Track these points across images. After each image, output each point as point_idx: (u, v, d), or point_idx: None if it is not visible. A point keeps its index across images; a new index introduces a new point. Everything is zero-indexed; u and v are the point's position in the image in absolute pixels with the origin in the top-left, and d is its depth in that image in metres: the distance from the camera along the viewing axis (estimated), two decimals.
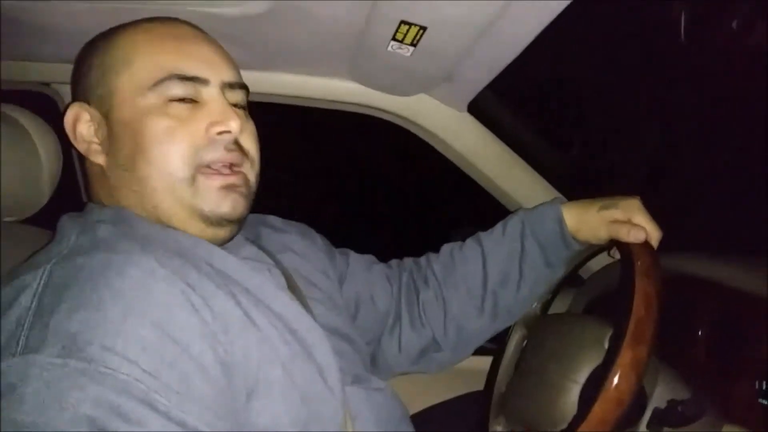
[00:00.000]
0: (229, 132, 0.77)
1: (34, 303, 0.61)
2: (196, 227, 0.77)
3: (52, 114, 1.11)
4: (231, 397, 0.65)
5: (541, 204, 1.05)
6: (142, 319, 0.60)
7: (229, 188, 0.78)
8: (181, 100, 0.77)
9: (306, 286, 0.91)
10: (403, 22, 0.91)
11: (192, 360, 0.61)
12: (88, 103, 0.80)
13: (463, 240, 1.11)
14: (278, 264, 0.90)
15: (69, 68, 0.88)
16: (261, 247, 0.92)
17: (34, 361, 0.56)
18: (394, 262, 1.16)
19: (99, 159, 0.80)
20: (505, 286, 1.05)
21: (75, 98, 0.82)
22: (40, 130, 1.04)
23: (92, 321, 0.59)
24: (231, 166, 0.78)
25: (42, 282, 0.63)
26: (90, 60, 0.81)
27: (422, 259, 1.15)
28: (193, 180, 0.76)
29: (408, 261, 1.16)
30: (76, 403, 0.54)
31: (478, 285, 1.06)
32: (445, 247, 1.13)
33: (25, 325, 0.59)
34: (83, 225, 0.73)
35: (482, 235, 1.10)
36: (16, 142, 0.99)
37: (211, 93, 0.78)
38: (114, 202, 0.79)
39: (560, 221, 1.00)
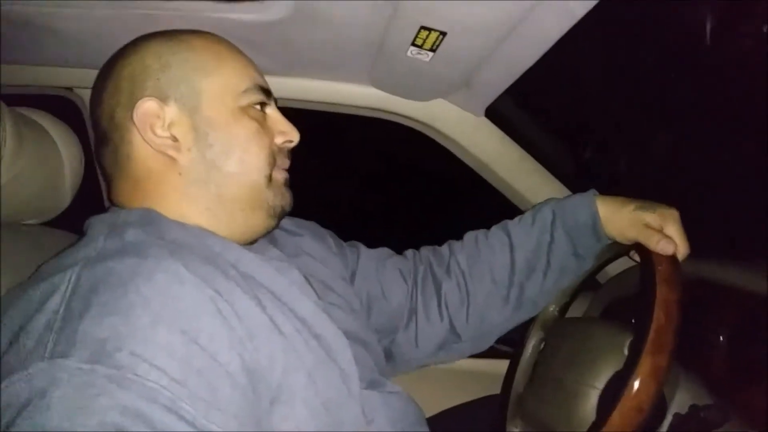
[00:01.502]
0: (292, 141, 0.87)
1: (63, 307, 0.61)
2: (257, 219, 0.83)
3: (74, 118, 1.12)
4: (256, 404, 0.65)
5: (575, 195, 1.04)
6: (170, 326, 0.60)
7: (287, 184, 0.87)
8: (258, 108, 0.84)
9: (323, 290, 0.91)
10: (423, 27, 0.91)
11: (220, 367, 0.62)
12: (162, 100, 0.79)
13: None
14: (297, 268, 0.90)
15: (91, 73, 0.88)
16: (280, 251, 0.92)
17: (62, 365, 0.56)
18: (409, 252, 1.14)
19: (176, 154, 0.79)
20: (531, 276, 1.03)
21: (136, 94, 0.79)
22: (62, 134, 1.05)
23: (121, 327, 0.59)
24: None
25: (71, 285, 0.63)
26: (166, 57, 0.80)
27: (444, 248, 1.13)
28: (271, 177, 0.83)
29: (426, 251, 1.14)
30: (104, 410, 0.54)
31: (505, 275, 1.04)
32: (469, 235, 1.11)
33: (54, 329, 0.59)
34: (111, 227, 0.73)
35: (510, 223, 1.08)
36: (39, 146, 1.00)
37: (272, 105, 0.87)
38: (156, 202, 0.79)
39: (594, 214, 0.98)
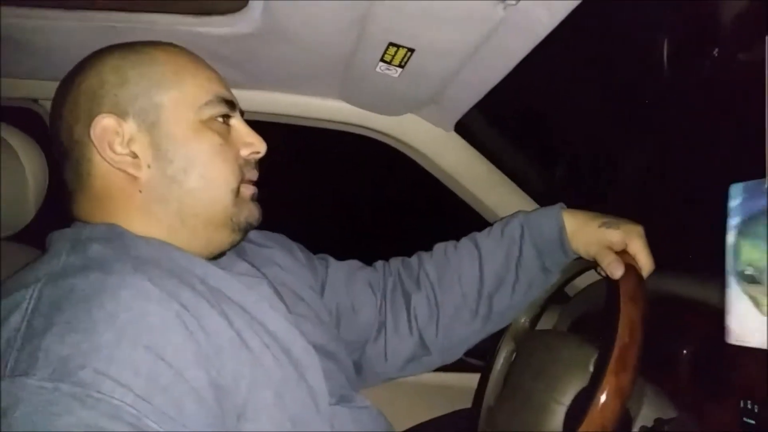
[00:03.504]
0: (258, 153, 0.85)
1: (24, 324, 0.60)
2: (221, 235, 0.81)
3: (39, 130, 1.10)
4: (222, 420, 0.64)
5: (543, 208, 1.04)
6: (135, 342, 0.60)
7: (254, 198, 0.85)
8: (221, 121, 0.82)
9: (293, 302, 0.90)
10: (391, 44, 0.92)
11: (185, 384, 0.61)
12: (121, 116, 0.77)
13: None
14: (267, 280, 0.90)
15: (57, 86, 0.87)
16: (250, 263, 0.92)
17: (23, 384, 0.55)
18: (379, 264, 1.14)
19: (136, 171, 0.77)
20: (499, 289, 1.03)
21: (94, 110, 0.77)
22: (25, 147, 1.04)
23: (85, 344, 0.58)
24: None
25: (32, 302, 0.62)
26: (124, 72, 0.78)
27: (413, 260, 1.12)
28: (238, 191, 0.81)
29: (395, 263, 1.13)
30: (67, 429, 0.53)
31: (474, 287, 1.04)
32: (438, 247, 1.11)
33: (15, 347, 0.58)
34: (74, 243, 0.72)
35: (478, 235, 1.08)
36: (1, 159, 0.99)
37: (237, 116, 0.85)
38: (118, 218, 0.77)
39: (561, 228, 0.98)
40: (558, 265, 1.02)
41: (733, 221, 0.77)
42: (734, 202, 0.77)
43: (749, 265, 0.74)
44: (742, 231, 0.75)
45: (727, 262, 0.76)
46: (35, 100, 1.30)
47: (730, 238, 0.76)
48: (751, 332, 0.73)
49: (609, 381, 0.75)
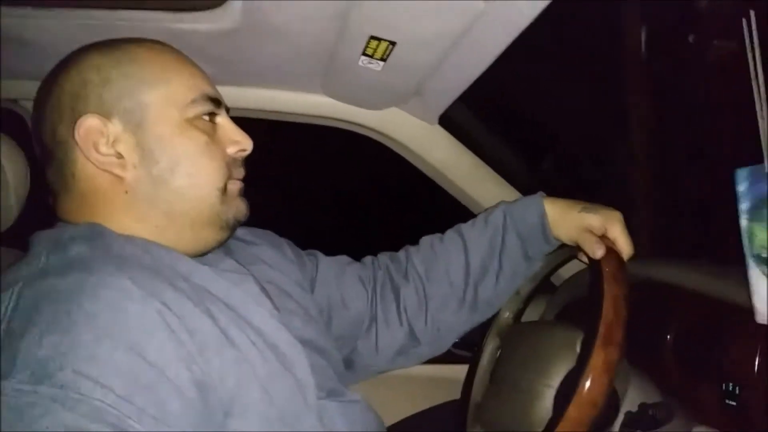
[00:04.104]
0: (245, 150, 0.84)
1: (3, 326, 0.60)
2: (209, 233, 0.81)
3: (20, 131, 1.09)
4: (207, 418, 0.64)
5: (524, 197, 1.05)
6: (116, 342, 0.59)
7: (241, 193, 0.84)
8: (207, 119, 0.81)
9: (281, 298, 0.90)
10: (372, 37, 0.93)
11: (168, 382, 0.61)
12: (105, 116, 0.76)
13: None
14: (253, 277, 0.90)
15: (37, 85, 0.86)
16: (236, 261, 0.92)
17: (2, 387, 0.55)
18: (368, 259, 1.14)
19: (122, 172, 0.76)
20: (484, 278, 1.05)
21: (78, 110, 0.75)
22: (5, 147, 1.02)
23: (64, 345, 0.57)
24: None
25: (11, 304, 0.62)
26: (107, 71, 0.76)
27: (401, 254, 1.13)
28: (225, 189, 0.80)
29: (384, 257, 1.14)
30: (47, 431, 0.53)
31: (460, 277, 1.05)
32: (425, 240, 1.12)
33: None
34: (55, 243, 0.71)
35: (463, 226, 1.09)
36: None
37: (223, 114, 0.84)
38: (103, 218, 0.76)
39: (542, 215, 1.00)
40: (540, 252, 1.04)
41: (743, 206, 0.78)
42: (741, 186, 0.79)
43: (763, 247, 0.76)
44: (753, 216, 0.77)
45: (744, 246, 0.77)
46: (15, 100, 1.29)
47: (743, 222, 0.78)
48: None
49: (596, 356, 0.76)
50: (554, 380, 0.90)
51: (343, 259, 1.13)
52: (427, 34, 0.91)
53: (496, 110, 1.60)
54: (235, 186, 0.83)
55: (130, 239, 0.74)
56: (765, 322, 0.78)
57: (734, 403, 0.87)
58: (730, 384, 0.88)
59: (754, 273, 0.77)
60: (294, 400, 0.74)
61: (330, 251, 1.14)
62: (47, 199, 0.83)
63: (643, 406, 0.88)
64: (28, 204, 1.07)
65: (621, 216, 0.95)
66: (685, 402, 0.95)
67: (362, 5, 0.85)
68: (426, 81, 1.10)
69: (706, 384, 0.94)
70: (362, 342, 1.07)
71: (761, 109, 0.74)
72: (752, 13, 0.70)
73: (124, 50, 0.79)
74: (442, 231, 1.12)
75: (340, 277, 1.08)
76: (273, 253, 1.00)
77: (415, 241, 1.13)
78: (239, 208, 0.83)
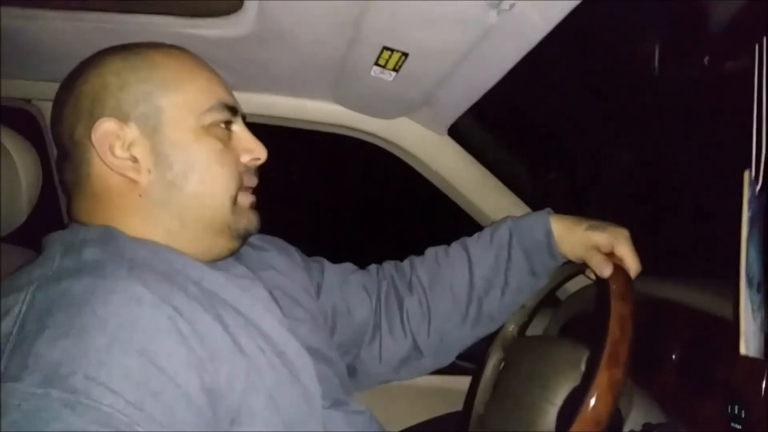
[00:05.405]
0: (259, 159, 0.84)
1: (16, 328, 0.60)
2: (221, 241, 0.81)
3: (32, 130, 1.10)
4: (215, 425, 0.64)
5: (530, 213, 1.06)
6: (127, 347, 0.59)
7: (253, 206, 0.85)
8: (223, 126, 0.81)
9: (289, 305, 0.90)
10: (385, 48, 0.93)
11: (177, 389, 0.61)
12: (122, 119, 0.76)
13: None
14: (263, 283, 0.90)
15: (51, 86, 0.87)
16: (246, 267, 0.92)
17: (13, 390, 0.55)
18: (373, 267, 1.14)
19: (136, 176, 0.77)
20: (489, 293, 1.05)
21: (96, 113, 0.76)
22: (18, 147, 1.03)
23: (76, 350, 0.58)
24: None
25: (24, 307, 0.62)
26: (126, 75, 0.78)
27: (405, 264, 1.13)
28: (236, 198, 0.81)
29: (389, 266, 1.14)
30: None
31: (464, 291, 1.05)
32: (430, 251, 1.12)
33: (6, 352, 0.58)
34: (68, 245, 0.71)
35: (468, 241, 1.09)
36: None
37: (239, 122, 0.84)
38: (116, 221, 0.76)
39: (548, 233, 1.00)
40: (546, 268, 1.03)
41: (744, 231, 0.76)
42: (746, 197, 0.77)
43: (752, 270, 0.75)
44: (748, 234, 0.76)
45: (741, 265, 0.76)
46: (28, 100, 1.30)
47: (743, 233, 0.76)
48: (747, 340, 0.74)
49: (602, 376, 0.76)
50: (558, 398, 0.89)
51: (348, 266, 1.13)
52: (439, 46, 0.91)
53: (504, 122, 1.60)
54: (247, 199, 0.83)
55: (142, 243, 0.75)
56: (744, 353, 0.75)
57: (739, 426, 0.86)
58: (735, 406, 0.87)
59: (743, 295, 0.75)
60: (300, 408, 0.74)
61: (335, 259, 1.14)
62: (51, 199, 0.83)
63: (647, 427, 0.88)
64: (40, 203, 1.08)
65: (628, 234, 0.94)
66: (690, 423, 0.94)
67: (376, 16, 0.86)
68: (437, 92, 1.10)
69: (711, 404, 0.93)
70: (366, 351, 1.07)
71: (756, 134, 0.73)
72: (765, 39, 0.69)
73: (143, 55, 0.80)
74: (449, 241, 1.12)
75: (345, 285, 1.08)
76: (282, 260, 1.01)
77: (421, 251, 1.14)
78: (251, 219, 0.84)
